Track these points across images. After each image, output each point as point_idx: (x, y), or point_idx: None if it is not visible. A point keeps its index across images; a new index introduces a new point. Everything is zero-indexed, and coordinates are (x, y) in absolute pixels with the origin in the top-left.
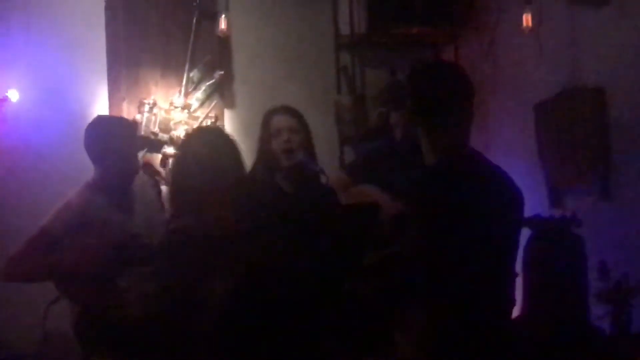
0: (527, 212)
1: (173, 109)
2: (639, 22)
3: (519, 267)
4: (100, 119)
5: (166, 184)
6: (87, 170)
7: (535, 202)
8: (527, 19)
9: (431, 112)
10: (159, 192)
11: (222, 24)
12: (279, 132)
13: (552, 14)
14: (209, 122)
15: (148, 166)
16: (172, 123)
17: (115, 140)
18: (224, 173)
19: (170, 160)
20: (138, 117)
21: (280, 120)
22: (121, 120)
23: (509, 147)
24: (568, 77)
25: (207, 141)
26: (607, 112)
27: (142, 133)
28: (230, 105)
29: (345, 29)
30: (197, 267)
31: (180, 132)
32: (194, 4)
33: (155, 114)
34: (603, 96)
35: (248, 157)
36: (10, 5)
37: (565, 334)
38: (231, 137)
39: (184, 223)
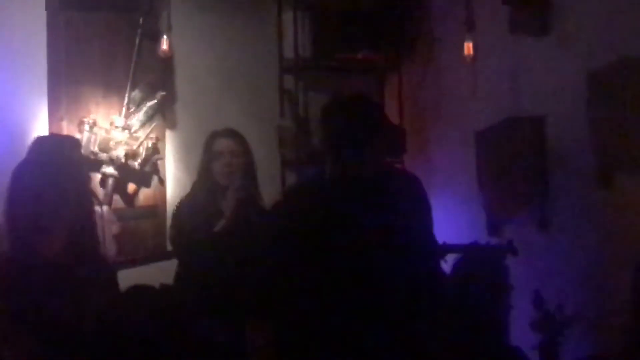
0: (465, 239)
1: (114, 128)
2: (579, 52)
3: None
4: (40, 138)
5: (100, 205)
6: None
7: (473, 229)
8: (468, 47)
9: (342, 146)
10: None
11: (164, 45)
12: (220, 154)
13: (493, 43)
14: (149, 143)
15: None
16: (112, 143)
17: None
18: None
19: (110, 181)
20: (78, 136)
21: (222, 143)
22: (64, 139)
23: (449, 174)
24: (508, 106)
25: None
26: (545, 141)
27: (82, 152)
28: (172, 126)
29: (289, 53)
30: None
31: (120, 152)
32: (139, 23)
33: (95, 134)
34: (542, 125)
35: (189, 178)
36: None
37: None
38: None
39: None
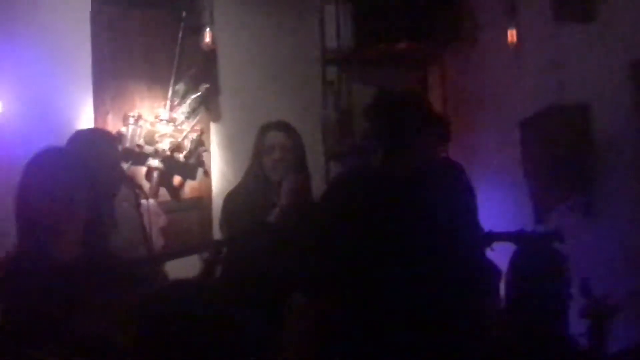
0: (512, 227)
1: (158, 121)
2: (625, 38)
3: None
4: (78, 133)
5: (146, 198)
6: None
7: (519, 217)
8: (512, 35)
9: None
10: (139, 206)
11: (207, 37)
12: (271, 148)
13: (537, 30)
14: (194, 135)
15: (128, 179)
16: (157, 136)
17: (94, 153)
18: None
19: (155, 174)
20: (123, 129)
21: (273, 137)
22: (100, 133)
23: (494, 162)
24: (553, 94)
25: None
26: (591, 129)
27: (127, 146)
28: (216, 118)
29: (332, 44)
30: None
31: (165, 145)
32: (182, 17)
33: (140, 127)
34: (588, 113)
35: (233, 169)
36: None
37: (542, 348)
38: None
39: None
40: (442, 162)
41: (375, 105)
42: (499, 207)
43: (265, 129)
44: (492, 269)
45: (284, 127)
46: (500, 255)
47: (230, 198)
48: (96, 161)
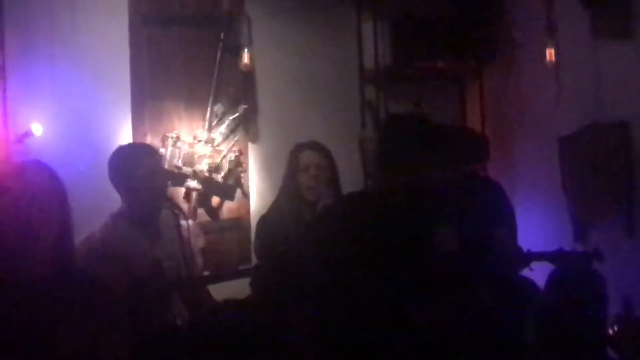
0: (551, 245)
1: (197, 142)
2: None
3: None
4: (122, 148)
5: (185, 219)
6: (112, 204)
7: (559, 236)
8: (550, 53)
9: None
10: (179, 226)
11: (245, 58)
12: (306, 168)
13: (575, 48)
14: (232, 156)
15: (168, 200)
16: (195, 157)
17: (140, 166)
18: None
19: (194, 194)
20: (162, 150)
21: (308, 156)
22: (144, 147)
23: (533, 180)
24: (592, 111)
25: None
26: (631, 147)
27: (166, 167)
28: (254, 139)
29: (369, 63)
30: None
31: (203, 166)
32: (220, 37)
33: (178, 148)
34: (627, 131)
35: (272, 190)
36: (34, 38)
37: None
38: None
39: None
40: (480, 179)
41: (388, 124)
42: (538, 225)
43: (298, 148)
44: (531, 288)
45: (318, 147)
46: (539, 274)
47: (264, 222)
48: (139, 173)
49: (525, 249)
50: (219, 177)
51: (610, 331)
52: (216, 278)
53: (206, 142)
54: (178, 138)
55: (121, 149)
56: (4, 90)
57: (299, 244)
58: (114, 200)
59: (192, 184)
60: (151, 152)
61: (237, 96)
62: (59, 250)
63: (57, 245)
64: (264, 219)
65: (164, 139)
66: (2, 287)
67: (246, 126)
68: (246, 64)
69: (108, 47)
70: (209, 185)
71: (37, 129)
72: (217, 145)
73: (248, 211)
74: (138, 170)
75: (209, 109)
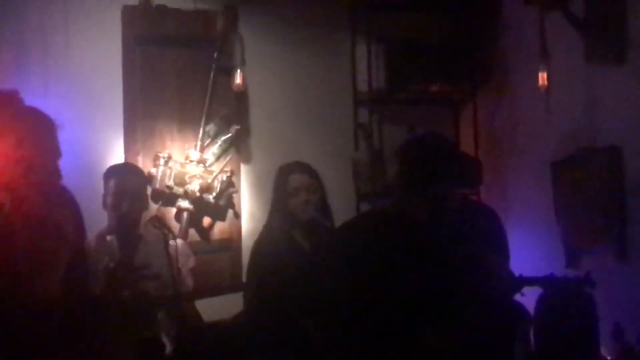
0: (542, 270)
1: (189, 162)
2: None
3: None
4: (108, 168)
5: (175, 239)
6: (104, 223)
7: (550, 260)
8: (542, 77)
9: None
10: (167, 246)
11: (238, 79)
12: (297, 191)
13: (568, 72)
14: (224, 176)
15: (157, 220)
16: (187, 177)
17: (111, 184)
18: None
19: (185, 214)
20: (153, 170)
21: (298, 179)
22: (126, 167)
23: (526, 204)
24: (584, 136)
25: None
26: (622, 172)
27: (157, 186)
28: (247, 159)
29: (363, 85)
30: None
31: (195, 186)
32: (213, 58)
33: (170, 168)
34: (619, 155)
35: (263, 211)
36: (28, 57)
37: None
38: None
39: None
40: (474, 205)
41: (405, 146)
42: (529, 250)
43: (286, 170)
44: (522, 314)
45: (306, 168)
46: (529, 299)
47: (258, 247)
48: (120, 191)
49: (517, 273)
50: (210, 198)
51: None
52: (199, 294)
53: (198, 162)
54: (170, 158)
55: (108, 168)
56: None
57: (293, 269)
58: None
59: (184, 204)
60: (133, 171)
61: (230, 117)
62: (72, 275)
63: (69, 269)
64: (258, 244)
65: (155, 159)
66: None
67: (238, 147)
68: (239, 85)
69: (101, 67)
70: (200, 205)
71: None
72: (209, 166)
73: (239, 232)
74: (112, 186)
75: (201, 129)
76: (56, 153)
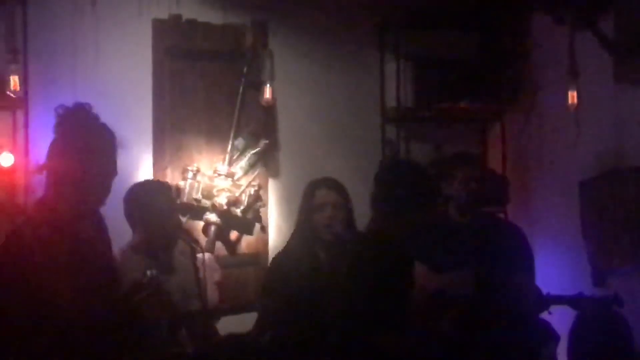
0: (569, 289)
1: (216, 176)
2: None
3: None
4: (135, 184)
5: (202, 252)
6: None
7: (578, 280)
8: (572, 96)
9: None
10: (194, 259)
11: (267, 94)
12: (322, 207)
13: (597, 92)
14: (252, 190)
15: (185, 233)
16: (215, 190)
17: (151, 204)
18: None
19: (212, 228)
20: (181, 183)
21: (324, 195)
22: (156, 184)
23: (553, 223)
24: (612, 156)
25: None
26: None
27: (185, 200)
28: (274, 174)
29: (391, 102)
30: None
31: (222, 200)
32: (243, 72)
33: (198, 181)
34: None
35: (290, 226)
36: (57, 69)
37: None
38: None
39: None
40: (499, 222)
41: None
42: (556, 269)
43: (313, 186)
44: (550, 333)
45: (334, 184)
46: (559, 318)
47: (276, 261)
48: (151, 211)
49: (544, 292)
50: (238, 212)
51: None
52: (223, 311)
53: (226, 175)
54: (198, 171)
55: (135, 185)
56: (27, 120)
57: (312, 284)
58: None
59: (211, 217)
60: (164, 189)
61: (258, 131)
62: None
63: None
64: (277, 259)
65: (184, 172)
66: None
67: (266, 161)
68: (268, 100)
69: (131, 80)
70: (227, 219)
71: (8, 159)
72: (237, 180)
73: (266, 246)
74: (147, 206)
75: (230, 143)
76: (114, 171)
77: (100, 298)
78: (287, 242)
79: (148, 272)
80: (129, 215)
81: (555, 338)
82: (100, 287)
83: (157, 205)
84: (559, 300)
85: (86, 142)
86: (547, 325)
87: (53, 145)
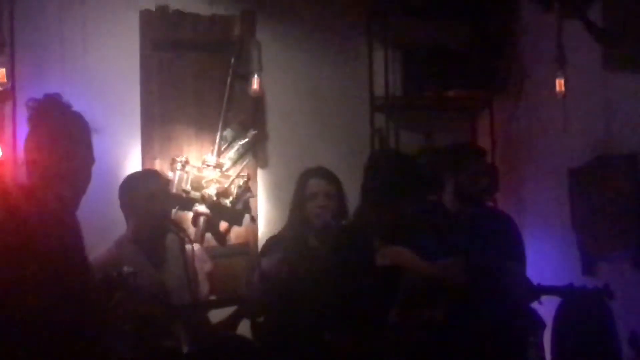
0: (559, 277)
1: (205, 167)
2: None
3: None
4: (131, 175)
5: (191, 243)
6: (119, 227)
7: (567, 268)
8: (560, 84)
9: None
10: (183, 250)
11: (255, 84)
12: (314, 195)
13: (585, 78)
14: (241, 181)
15: (174, 224)
16: (204, 181)
17: (141, 188)
18: None
19: (201, 219)
20: (170, 174)
21: (316, 184)
22: (147, 171)
23: (543, 211)
24: (602, 143)
25: None
26: None
27: (174, 191)
28: (263, 164)
29: (380, 91)
30: None
31: (212, 191)
32: (231, 63)
33: (187, 172)
34: (636, 162)
35: (280, 216)
36: (45, 61)
37: None
38: None
39: None
40: (490, 211)
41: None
42: (546, 257)
43: (306, 175)
44: (536, 320)
45: (326, 173)
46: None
47: (271, 241)
48: (141, 195)
49: (535, 282)
50: (227, 202)
51: None
52: (220, 303)
53: (215, 166)
54: (187, 162)
55: (129, 175)
56: (15, 113)
57: (299, 270)
58: (120, 225)
59: (200, 208)
60: (153, 175)
61: (247, 122)
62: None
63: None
64: (269, 241)
65: (172, 163)
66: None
67: (255, 152)
68: (256, 90)
69: (119, 72)
70: (217, 210)
71: None
72: (226, 170)
73: (256, 236)
74: (140, 192)
75: (218, 133)
76: (91, 159)
77: (79, 291)
78: (282, 229)
79: (125, 269)
80: (124, 205)
81: (542, 325)
82: (79, 280)
83: (150, 193)
84: (550, 290)
85: (60, 131)
86: (533, 312)
87: (29, 139)
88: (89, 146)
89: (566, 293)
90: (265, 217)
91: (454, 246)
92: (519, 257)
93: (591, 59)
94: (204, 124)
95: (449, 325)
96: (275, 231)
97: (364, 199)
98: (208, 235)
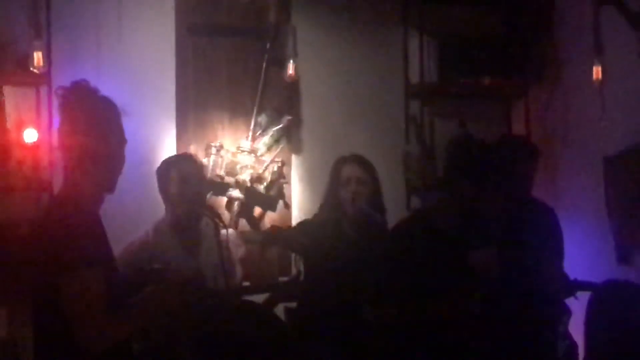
0: (594, 267)
1: (240, 152)
2: None
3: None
4: (167, 160)
5: (226, 228)
6: (155, 212)
7: (602, 257)
8: (597, 71)
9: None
10: (218, 235)
11: (290, 70)
12: (348, 182)
13: (622, 66)
14: (275, 166)
15: (208, 209)
16: (238, 167)
17: (176, 172)
18: None
19: (236, 204)
20: (205, 160)
21: (350, 170)
22: (183, 155)
23: (578, 199)
24: (638, 130)
25: None
26: None
27: (209, 176)
28: (297, 150)
29: (415, 78)
30: None
31: (246, 176)
32: (266, 48)
33: (222, 157)
34: None
35: (313, 202)
36: (81, 46)
37: None
38: None
39: None
40: (532, 202)
41: (459, 143)
42: (581, 246)
43: (341, 162)
44: (563, 308)
45: (360, 160)
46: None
47: (302, 226)
48: (176, 178)
49: (569, 271)
50: (261, 188)
51: None
52: (255, 289)
53: (249, 152)
54: (221, 147)
55: (164, 160)
56: (50, 97)
57: (332, 253)
58: (159, 210)
59: (234, 193)
60: (188, 159)
61: (282, 107)
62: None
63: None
64: (303, 223)
65: (207, 148)
66: None
67: (289, 137)
68: (291, 76)
69: (154, 57)
70: (251, 195)
71: (32, 135)
72: (260, 156)
73: (290, 222)
74: (174, 175)
75: (253, 119)
76: (122, 140)
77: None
78: (314, 215)
79: (155, 265)
80: (160, 189)
81: (568, 312)
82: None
83: (184, 177)
84: (586, 286)
85: (90, 117)
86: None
87: (61, 125)
88: (118, 128)
89: (602, 290)
90: (299, 203)
91: (491, 236)
92: (559, 251)
93: (628, 45)
94: (239, 109)
95: (482, 314)
96: (308, 217)
97: (442, 189)
98: (242, 220)
